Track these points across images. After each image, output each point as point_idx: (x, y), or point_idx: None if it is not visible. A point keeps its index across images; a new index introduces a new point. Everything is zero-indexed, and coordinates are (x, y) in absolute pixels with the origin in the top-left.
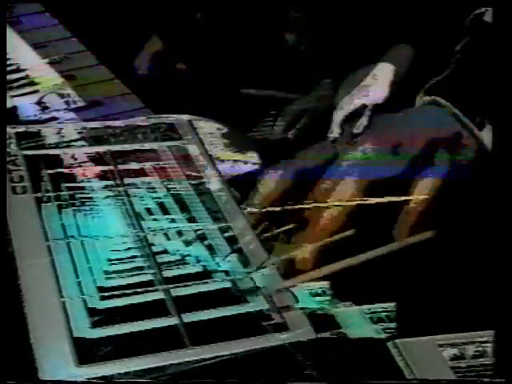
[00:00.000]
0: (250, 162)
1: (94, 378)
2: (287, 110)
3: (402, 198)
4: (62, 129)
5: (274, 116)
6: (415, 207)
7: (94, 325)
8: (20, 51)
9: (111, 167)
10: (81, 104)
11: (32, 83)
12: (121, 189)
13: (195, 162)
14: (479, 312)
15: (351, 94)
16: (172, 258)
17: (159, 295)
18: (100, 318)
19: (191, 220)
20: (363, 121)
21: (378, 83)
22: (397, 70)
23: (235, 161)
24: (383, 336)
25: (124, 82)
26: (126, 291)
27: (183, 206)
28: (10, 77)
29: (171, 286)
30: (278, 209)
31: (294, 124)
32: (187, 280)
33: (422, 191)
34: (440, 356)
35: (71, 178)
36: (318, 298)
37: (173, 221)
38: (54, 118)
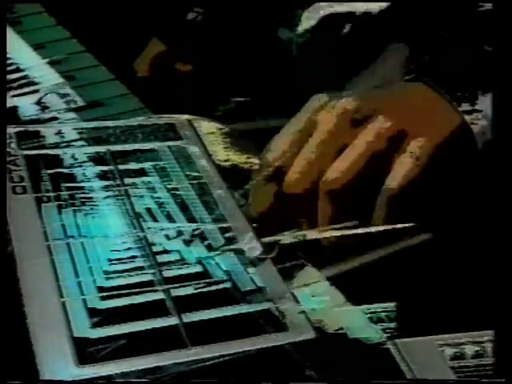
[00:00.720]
0: (250, 162)
1: (94, 378)
2: None
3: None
4: (61, 129)
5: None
6: (392, 194)
7: (95, 325)
8: (20, 51)
9: (111, 167)
10: (81, 104)
11: (32, 83)
12: (121, 189)
13: (195, 162)
14: (479, 312)
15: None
16: (172, 258)
17: (159, 295)
18: (100, 318)
19: (191, 220)
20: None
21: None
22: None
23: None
24: (383, 336)
25: (124, 83)
26: (126, 291)
27: (183, 206)
28: (9, 77)
29: (171, 286)
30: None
31: None
32: (187, 280)
33: (400, 174)
34: (440, 356)
35: (71, 178)
36: (317, 298)
37: (173, 221)
38: (54, 118)
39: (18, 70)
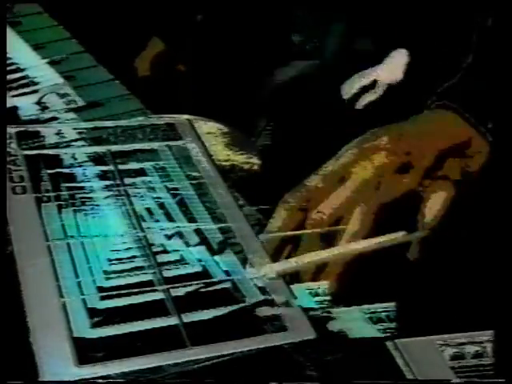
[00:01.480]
0: (250, 162)
1: (94, 378)
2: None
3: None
4: (61, 129)
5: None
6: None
7: (95, 325)
8: (20, 51)
9: (111, 167)
10: (81, 104)
11: (32, 83)
12: (121, 189)
13: (195, 162)
14: (479, 312)
15: (363, 71)
16: (172, 258)
17: (159, 295)
18: (100, 318)
19: (191, 220)
20: (371, 96)
21: (390, 64)
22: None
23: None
24: (383, 336)
25: (124, 83)
26: (126, 291)
27: (183, 206)
28: (9, 77)
29: (171, 286)
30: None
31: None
32: (187, 280)
33: (434, 206)
34: (440, 356)
35: (71, 178)
36: (317, 298)
37: (173, 221)
38: (53, 118)
39: (18, 69)
